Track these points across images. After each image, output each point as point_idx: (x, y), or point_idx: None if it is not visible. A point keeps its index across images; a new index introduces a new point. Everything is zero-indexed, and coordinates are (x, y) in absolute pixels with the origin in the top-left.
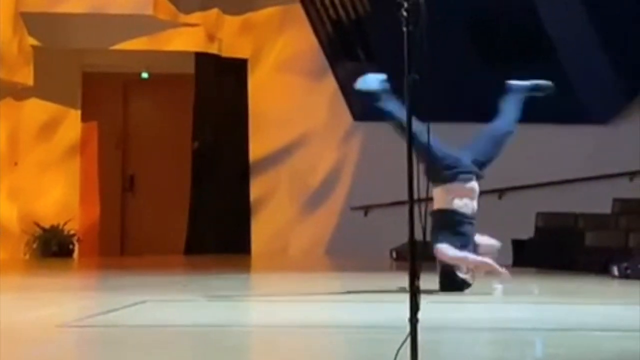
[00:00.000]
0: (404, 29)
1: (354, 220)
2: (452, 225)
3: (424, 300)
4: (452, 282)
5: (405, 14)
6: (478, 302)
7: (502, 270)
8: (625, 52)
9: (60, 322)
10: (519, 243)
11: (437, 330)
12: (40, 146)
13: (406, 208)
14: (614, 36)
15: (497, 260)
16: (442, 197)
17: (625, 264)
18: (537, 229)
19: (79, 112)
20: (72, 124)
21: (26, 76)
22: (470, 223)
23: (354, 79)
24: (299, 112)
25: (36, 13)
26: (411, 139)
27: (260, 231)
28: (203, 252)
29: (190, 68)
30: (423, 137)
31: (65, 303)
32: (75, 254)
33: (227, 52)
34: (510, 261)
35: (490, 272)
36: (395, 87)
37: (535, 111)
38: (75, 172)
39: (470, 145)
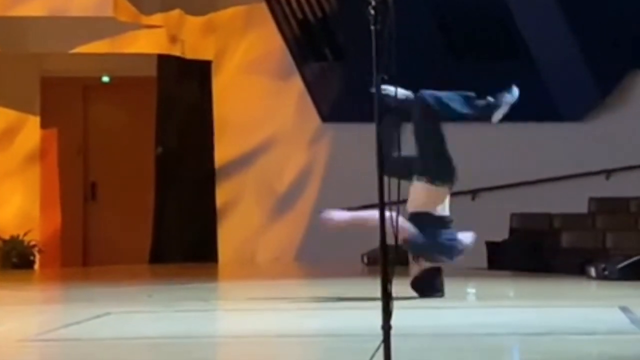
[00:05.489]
0: (372, 27)
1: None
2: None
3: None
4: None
5: (372, 12)
6: (453, 307)
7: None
8: (599, 47)
9: (21, 336)
10: (493, 245)
11: (411, 337)
12: None
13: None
14: (587, 32)
15: (470, 262)
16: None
17: (602, 265)
18: (512, 230)
19: (38, 119)
20: (31, 131)
21: None
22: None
23: (321, 79)
24: (265, 114)
25: None
26: (380, 143)
27: (227, 238)
28: (169, 261)
29: (152, 71)
30: None
31: (27, 316)
32: (37, 265)
33: (190, 54)
34: (484, 264)
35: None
36: (363, 87)
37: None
38: (35, 181)
39: None
